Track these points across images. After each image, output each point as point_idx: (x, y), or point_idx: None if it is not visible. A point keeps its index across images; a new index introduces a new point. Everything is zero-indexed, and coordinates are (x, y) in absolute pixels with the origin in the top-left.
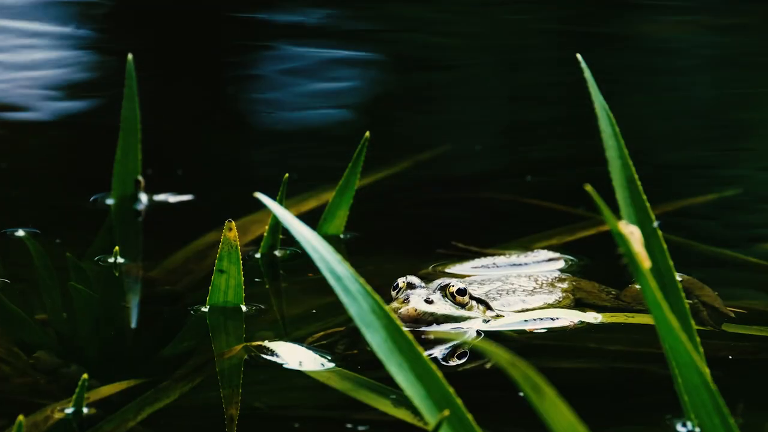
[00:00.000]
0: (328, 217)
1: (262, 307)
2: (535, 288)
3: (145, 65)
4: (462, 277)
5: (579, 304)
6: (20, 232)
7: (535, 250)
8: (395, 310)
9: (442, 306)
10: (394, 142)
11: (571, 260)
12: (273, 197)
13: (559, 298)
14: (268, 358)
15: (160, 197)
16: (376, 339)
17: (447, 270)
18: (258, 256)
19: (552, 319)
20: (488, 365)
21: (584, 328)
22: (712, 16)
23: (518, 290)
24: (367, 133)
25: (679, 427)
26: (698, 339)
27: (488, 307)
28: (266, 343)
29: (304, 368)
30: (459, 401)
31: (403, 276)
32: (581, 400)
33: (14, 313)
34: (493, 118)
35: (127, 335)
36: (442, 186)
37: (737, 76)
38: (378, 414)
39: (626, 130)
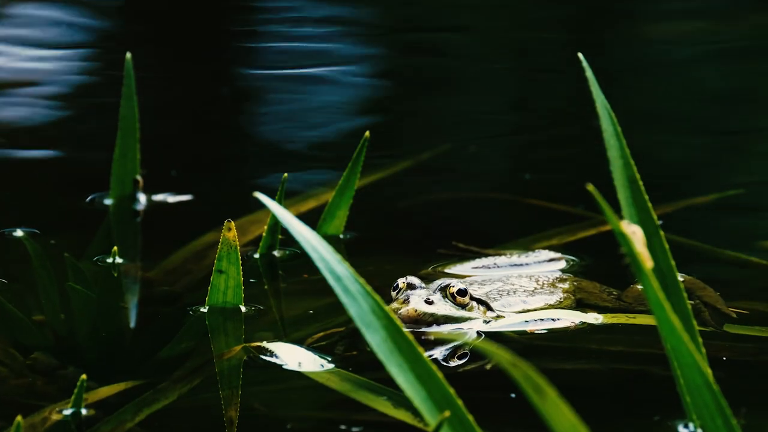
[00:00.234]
0: (327, 217)
1: (262, 307)
2: (536, 288)
3: (144, 64)
4: (462, 277)
5: (580, 305)
6: (18, 232)
7: (536, 251)
8: (395, 311)
9: (443, 307)
10: (393, 142)
11: (572, 260)
12: (272, 197)
13: (560, 298)
14: (268, 359)
15: (158, 197)
16: (376, 339)
17: (447, 270)
18: (257, 256)
19: (553, 319)
20: (489, 366)
21: (585, 328)
22: (714, 16)
23: (519, 291)
24: (367, 133)
25: (681, 428)
26: (700, 339)
27: (489, 308)
28: (265, 344)
29: (303, 369)
30: (460, 402)
31: (403, 276)
32: (582, 401)
33: (12, 314)
34: (493, 117)
35: (126, 336)
36: (443, 186)
37: (739, 76)
38: (378, 415)
39: (627, 130)
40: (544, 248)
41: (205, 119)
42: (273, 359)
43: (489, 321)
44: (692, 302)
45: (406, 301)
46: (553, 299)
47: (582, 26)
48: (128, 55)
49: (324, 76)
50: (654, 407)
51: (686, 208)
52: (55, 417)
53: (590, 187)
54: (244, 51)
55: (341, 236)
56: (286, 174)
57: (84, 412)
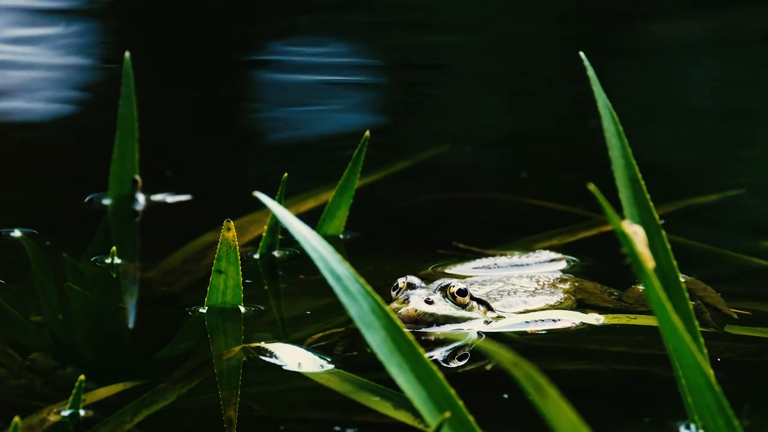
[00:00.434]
0: (327, 217)
1: (261, 308)
2: (536, 289)
3: (143, 63)
4: (463, 277)
5: (581, 305)
6: (16, 233)
7: (537, 251)
8: (395, 311)
9: (443, 307)
10: (393, 142)
11: (573, 261)
12: (272, 197)
13: (561, 299)
14: (267, 359)
15: (157, 197)
16: (376, 339)
17: (447, 270)
18: (256, 256)
19: (554, 320)
20: (489, 366)
21: (586, 329)
22: (716, 15)
23: (519, 291)
24: (367, 133)
25: (682, 429)
26: (702, 340)
27: (489, 308)
28: (265, 345)
29: (303, 370)
30: (460, 403)
31: (403, 276)
32: (583, 402)
33: (10, 315)
34: (493, 116)
35: (124, 337)
36: (442, 186)
37: (741, 75)
38: (378, 416)
39: (629, 129)
40: (545, 248)
41: (204, 119)
42: (272, 360)
43: (489, 321)
44: (693, 303)
45: (406, 301)
46: (553, 300)
47: (581, 25)
48: (127, 54)
49: (323, 76)
50: (655, 408)
51: (687, 208)
52: (54, 418)
53: (591, 187)
54: (242, 51)
55: (341, 236)
56: (285, 174)
57: (82, 412)
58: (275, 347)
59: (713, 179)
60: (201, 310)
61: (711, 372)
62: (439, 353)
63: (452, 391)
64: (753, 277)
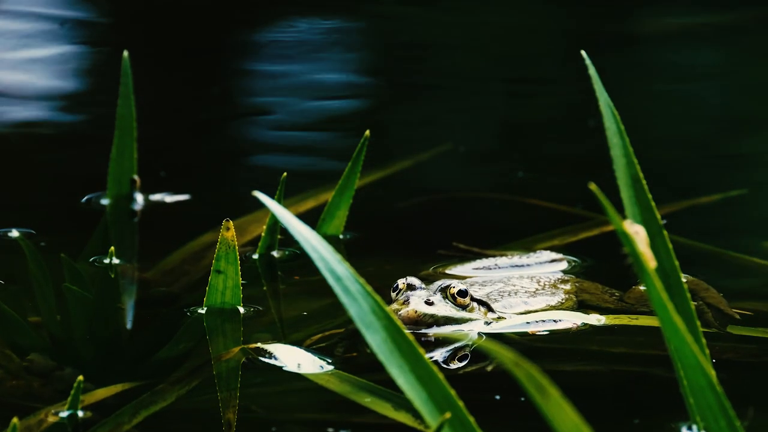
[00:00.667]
0: (327, 217)
1: (260, 308)
2: (537, 289)
3: (141, 63)
4: (463, 278)
5: (582, 306)
6: (14, 233)
7: (538, 251)
8: (395, 312)
9: (443, 308)
10: (393, 141)
11: (574, 261)
12: (271, 197)
13: (562, 299)
14: (266, 360)
15: (156, 197)
16: (376, 340)
17: (448, 271)
18: (255, 256)
19: (554, 321)
20: (490, 367)
21: (587, 330)
22: (717, 15)
23: (520, 292)
24: (368, 132)
25: (684, 430)
26: (704, 341)
27: (490, 309)
28: (264, 346)
29: (302, 371)
30: (461, 403)
31: (403, 277)
32: (584, 403)
33: (8, 315)
34: (492, 116)
35: (123, 337)
36: (442, 186)
37: (743, 75)
38: (378, 417)
39: (630, 129)
40: (546, 249)
41: (203, 119)
42: (272, 361)
43: (490, 322)
44: (695, 303)
45: (406, 302)
46: (554, 300)
47: (581, 24)
48: (125, 53)
49: (322, 76)
50: (657, 409)
51: (689, 208)
52: (52, 419)
53: (593, 187)
54: (241, 51)
55: (341, 236)
56: (285, 173)
57: (81, 414)
58: (274, 348)
59: (715, 179)
60: (200, 311)
61: (713, 372)
62: (439, 354)
63: (453, 392)
64: (755, 277)
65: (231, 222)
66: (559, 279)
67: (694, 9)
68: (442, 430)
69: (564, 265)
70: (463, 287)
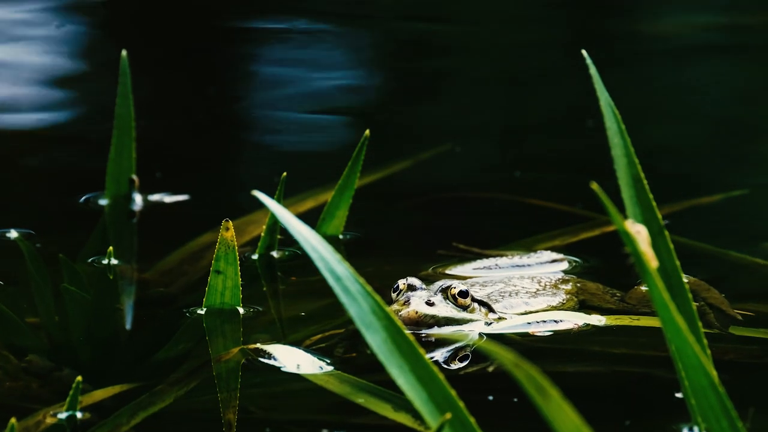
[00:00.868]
0: (327, 217)
1: (260, 309)
2: (538, 290)
3: (139, 63)
4: (463, 278)
5: (583, 307)
6: (12, 233)
7: (538, 252)
8: (396, 313)
9: (444, 308)
10: (393, 141)
11: (575, 262)
12: (270, 197)
13: (563, 300)
14: (266, 361)
15: (154, 197)
16: (376, 340)
17: (448, 271)
18: (255, 257)
19: (555, 321)
20: (491, 368)
21: (588, 330)
22: (718, 14)
23: (521, 292)
24: (367, 131)
25: (685, 431)
26: (705, 341)
27: (490, 310)
28: (263, 346)
29: (302, 371)
30: (461, 404)
31: (403, 277)
32: (585, 404)
33: (6, 316)
34: (492, 116)
35: (121, 338)
36: (442, 186)
37: (745, 75)
38: (378, 418)
39: (631, 129)
40: (546, 249)
41: (201, 119)
42: (271, 361)
43: (491, 323)
44: (697, 304)
45: (407, 302)
46: (555, 301)
47: (581, 24)
48: (124, 52)
49: (321, 76)
50: (658, 410)
51: (691, 208)
52: (50, 420)
53: (594, 186)
54: (239, 50)
55: (340, 237)
56: (285, 173)
57: (79, 415)
58: (274, 349)
59: (716, 179)
60: (199, 311)
61: (714, 373)
62: (440, 355)
63: (453, 393)
64: (757, 278)
65: (230, 222)
66: (560, 279)
67: (694, 9)
68: (443, 430)
69: (565, 266)
70: (464, 288)
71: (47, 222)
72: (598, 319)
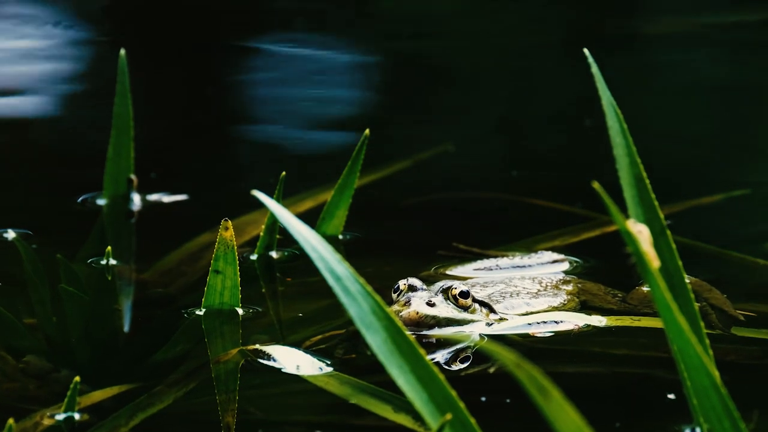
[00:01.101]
0: (326, 217)
1: (259, 309)
2: (539, 290)
3: (138, 63)
4: (464, 279)
5: (584, 307)
6: (10, 234)
7: (539, 252)
8: (396, 313)
9: (445, 309)
10: (393, 141)
11: (576, 262)
12: (269, 197)
13: (564, 300)
14: (265, 362)
15: (153, 197)
16: (376, 341)
17: (449, 272)
18: (254, 257)
19: (556, 322)
20: (492, 369)
21: (589, 331)
22: (719, 14)
23: (522, 293)
24: (367, 131)
25: None
26: (707, 342)
27: (491, 310)
28: (263, 347)
29: (301, 373)
30: (461, 405)
31: (403, 278)
32: (586, 405)
33: (3, 317)
34: (492, 116)
35: (120, 339)
36: (442, 186)
37: (746, 73)
38: (377, 419)
39: (632, 129)
40: (547, 249)
41: (200, 119)
42: (270, 362)
43: (492, 323)
44: (699, 304)
45: (408, 303)
46: (556, 301)
47: (581, 23)
48: (122, 51)
49: (319, 75)
50: (659, 411)
51: (692, 208)
52: (48, 421)
53: (596, 185)
54: (237, 49)
55: (340, 237)
56: (284, 172)
57: (77, 416)
58: (273, 350)
59: (718, 179)
60: (198, 312)
61: (717, 374)
62: (440, 355)
63: (454, 393)
64: (759, 278)
65: (230, 222)
66: (561, 280)
67: (696, 9)
68: (443, 431)
69: (566, 266)
70: (464, 288)
71: (45, 222)
72: (599, 320)
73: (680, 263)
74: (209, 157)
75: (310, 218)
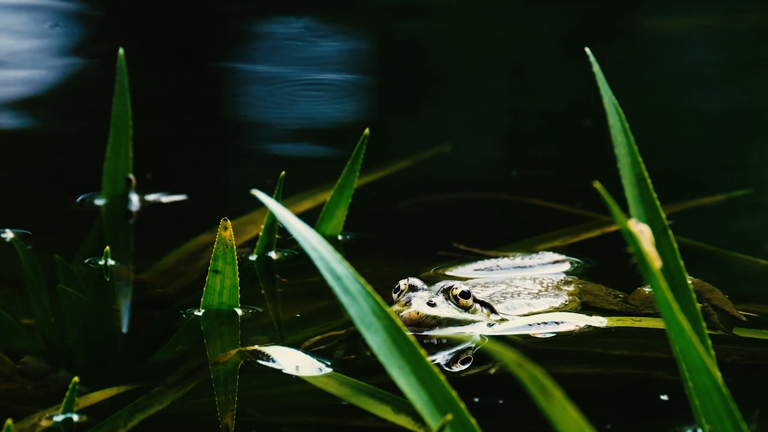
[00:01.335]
0: (326, 217)
1: (258, 310)
2: (540, 291)
3: (136, 63)
4: (465, 279)
5: (585, 308)
6: (8, 234)
7: (540, 252)
8: (397, 313)
9: (445, 309)
10: (393, 141)
11: (577, 262)
12: (269, 196)
13: (565, 301)
14: (264, 363)
15: (151, 197)
16: (376, 341)
17: (449, 272)
18: (253, 257)
19: (557, 323)
20: (493, 369)
21: (590, 332)
22: (720, 14)
23: (523, 293)
24: (367, 130)
25: None
26: (709, 342)
27: (492, 311)
28: (262, 348)
29: (301, 373)
30: (462, 405)
31: (404, 278)
32: (587, 405)
33: (1, 317)
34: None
35: (118, 339)
36: (442, 186)
37: (747, 75)
38: (377, 420)
39: (632, 129)
40: (548, 250)
41: (198, 118)
42: (270, 363)
43: (492, 324)
44: (700, 305)
45: (408, 303)
46: (557, 302)
47: (581, 23)
48: (121, 51)
49: (318, 75)
50: (661, 411)
51: (693, 208)
52: (46, 423)
53: (597, 185)
54: (236, 50)
55: (339, 237)
56: (283, 172)
57: (75, 417)
58: (272, 350)
59: (719, 179)
60: (196, 313)
61: (718, 374)
62: (441, 356)
63: (454, 394)
64: (760, 278)
65: (229, 221)
66: (562, 280)
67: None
68: None
69: (566, 267)
70: (465, 288)
71: (43, 222)
72: (600, 321)
73: (682, 263)
74: (208, 157)
75: (309, 218)
